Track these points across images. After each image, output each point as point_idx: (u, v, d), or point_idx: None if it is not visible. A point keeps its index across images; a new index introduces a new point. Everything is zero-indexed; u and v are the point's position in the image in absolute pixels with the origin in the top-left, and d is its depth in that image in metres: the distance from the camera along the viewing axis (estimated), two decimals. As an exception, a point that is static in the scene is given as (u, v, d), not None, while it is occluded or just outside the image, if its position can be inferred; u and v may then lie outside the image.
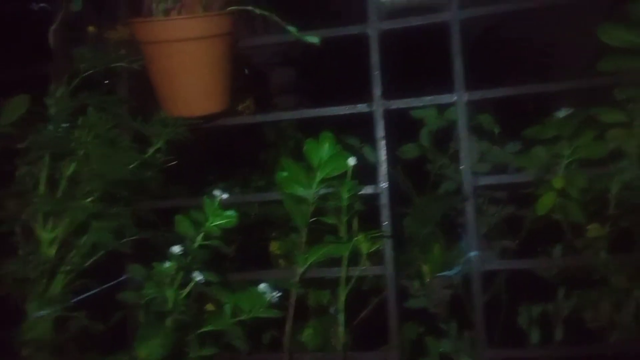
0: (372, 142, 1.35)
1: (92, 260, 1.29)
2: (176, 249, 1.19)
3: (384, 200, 1.33)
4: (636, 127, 1.16)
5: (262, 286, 1.26)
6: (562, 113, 1.21)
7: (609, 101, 1.20)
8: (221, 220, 1.20)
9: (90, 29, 1.35)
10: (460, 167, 1.29)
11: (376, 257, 1.36)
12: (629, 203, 1.18)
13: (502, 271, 1.41)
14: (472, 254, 1.28)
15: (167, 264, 1.18)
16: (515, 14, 1.31)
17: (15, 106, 1.63)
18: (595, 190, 1.19)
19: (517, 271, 1.41)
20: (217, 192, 1.21)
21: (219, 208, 1.20)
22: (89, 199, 1.30)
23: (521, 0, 1.32)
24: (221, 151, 1.76)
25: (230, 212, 1.21)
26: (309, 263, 1.31)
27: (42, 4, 1.57)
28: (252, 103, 1.50)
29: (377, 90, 1.35)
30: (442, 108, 1.38)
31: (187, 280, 1.21)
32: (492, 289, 1.42)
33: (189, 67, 1.28)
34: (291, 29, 1.31)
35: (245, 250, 1.66)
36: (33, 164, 1.35)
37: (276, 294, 1.26)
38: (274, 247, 1.76)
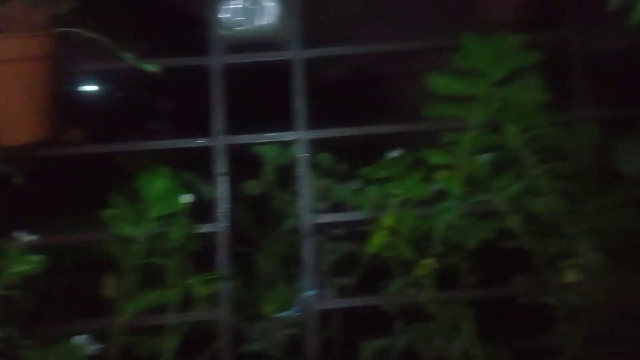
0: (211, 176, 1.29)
1: None
2: None
3: (222, 239, 1.27)
4: (459, 170, 1.24)
5: (79, 338, 1.13)
6: (394, 154, 1.25)
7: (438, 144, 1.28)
8: (24, 266, 1.05)
9: None
10: (300, 205, 1.28)
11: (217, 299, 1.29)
12: (452, 242, 1.25)
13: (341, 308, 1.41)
14: (309, 292, 1.26)
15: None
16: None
17: None
18: (423, 229, 1.24)
19: (361, 306, 1.42)
20: (19, 234, 1.06)
21: (22, 253, 1.05)
22: None
23: (366, 45, 1.38)
24: (51, 182, 1.58)
25: (35, 257, 1.06)
26: (135, 310, 1.19)
27: None
28: (81, 132, 1.36)
29: (218, 125, 1.30)
30: (286, 145, 1.37)
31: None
32: (332, 326, 1.41)
33: (1, 90, 1.12)
34: (127, 56, 1.23)
35: (79, 293, 1.49)
36: None
37: (95, 347, 1.13)
38: (107, 290, 1.60)
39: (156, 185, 1.24)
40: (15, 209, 1.38)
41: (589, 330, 1.22)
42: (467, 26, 1.27)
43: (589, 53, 1.32)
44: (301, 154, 1.30)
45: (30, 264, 1.05)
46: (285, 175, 1.38)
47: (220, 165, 1.29)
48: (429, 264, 1.22)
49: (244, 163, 1.37)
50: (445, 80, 1.24)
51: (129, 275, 1.19)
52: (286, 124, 1.31)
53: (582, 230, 1.21)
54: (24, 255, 1.05)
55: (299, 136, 1.30)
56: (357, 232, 1.38)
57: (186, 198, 1.21)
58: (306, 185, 1.29)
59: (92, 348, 1.13)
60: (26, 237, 1.06)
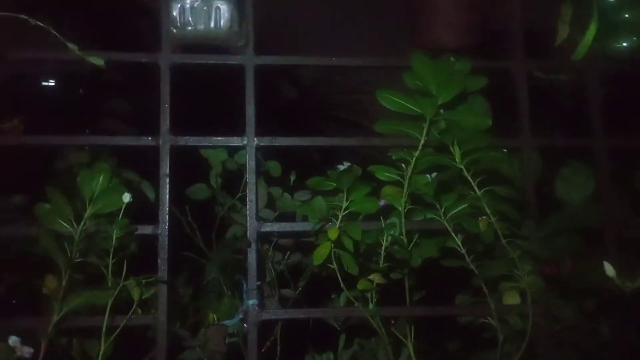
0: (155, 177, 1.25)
1: None
2: None
3: (162, 242, 1.23)
4: (404, 187, 1.25)
5: (13, 339, 1.09)
6: (342, 167, 1.25)
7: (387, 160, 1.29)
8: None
9: None
10: (247, 212, 1.26)
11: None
12: (397, 258, 1.25)
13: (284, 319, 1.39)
14: (250, 302, 1.24)
15: None
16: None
17: None
18: (368, 244, 1.24)
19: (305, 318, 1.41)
20: None
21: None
22: None
23: (318, 57, 1.38)
24: None
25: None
26: (64, 310, 1.14)
27: None
28: (20, 123, 1.30)
29: (164, 125, 1.26)
30: (234, 150, 1.34)
31: None
32: (274, 337, 1.39)
33: None
34: (71, 46, 1.19)
35: (19, 290, 1.42)
36: None
37: (28, 349, 1.08)
38: (48, 281, 1.53)
39: (96, 182, 1.20)
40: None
41: (527, 352, 1.25)
42: (415, 47, 1.29)
43: (535, 82, 1.36)
44: (249, 161, 1.28)
45: None
46: (233, 181, 1.35)
47: (164, 166, 1.25)
48: (373, 279, 1.22)
49: (192, 166, 1.33)
50: (395, 98, 1.26)
51: (63, 274, 1.14)
52: (236, 130, 1.29)
53: (520, 254, 1.24)
54: None
55: (248, 142, 1.28)
56: (304, 243, 1.37)
57: (126, 197, 1.17)
58: (253, 192, 1.27)
59: (25, 350, 1.09)
60: None
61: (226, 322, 1.35)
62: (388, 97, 1.24)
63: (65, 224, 1.17)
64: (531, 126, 1.34)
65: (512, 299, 1.32)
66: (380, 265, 1.24)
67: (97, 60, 1.22)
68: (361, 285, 1.21)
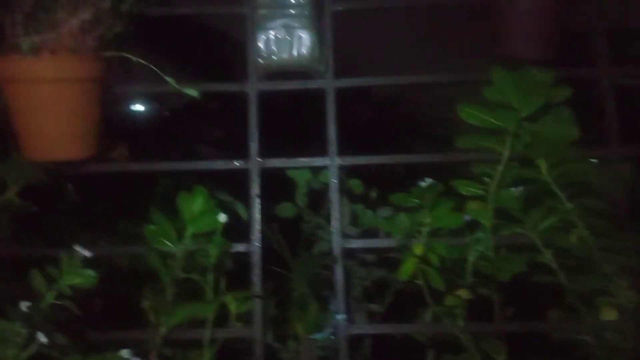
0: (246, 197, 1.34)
1: None
2: (24, 305, 1.09)
3: (256, 259, 1.31)
4: (490, 201, 1.24)
5: (124, 352, 1.17)
6: (425, 183, 1.27)
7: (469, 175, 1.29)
8: (78, 279, 1.11)
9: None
10: (331, 229, 1.31)
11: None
12: (484, 273, 1.24)
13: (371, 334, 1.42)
14: (339, 316, 1.28)
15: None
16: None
17: None
18: (454, 259, 1.25)
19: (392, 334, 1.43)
20: (77, 248, 1.12)
21: (78, 266, 1.12)
22: None
23: (397, 75, 1.41)
24: (96, 197, 1.67)
25: (89, 272, 1.12)
26: (170, 323, 1.24)
27: None
28: (125, 150, 1.44)
29: (253, 148, 1.35)
30: (317, 170, 1.40)
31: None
32: (363, 351, 1.42)
33: (52, 109, 1.21)
34: (169, 79, 1.30)
35: (118, 305, 1.55)
36: None
37: None
38: (147, 303, 1.67)
39: (194, 204, 1.30)
40: (63, 223, 1.48)
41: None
42: (492, 61, 1.28)
43: (622, 90, 1.31)
44: (332, 180, 1.33)
45: (85, 277, 1.11)
46: (318, 199, 1.41)
47: (255, 187, 1.34)
48: (460, 294, 1.22)
49: (279, 186, 1.41)
50: (476, 112, 1.26)
51: (168, 290, 1.25)
52: (319, 150, 1.35)
53: (615, 269, 1.19)
54: (78, 268, 1.12)
55: (331, 162, 1.34)
56: (389, 259, 1.40)
57: (222, 217, 1.26)
58: (337, 210, 1.32)
59: (134, 361, 1.19)
60: (81, 251, 1.12)
61: (316, 335, 1.40)
62: (470, 112, 1.25)
63: (169, 244, 1.28)
64: (620, 135, 1.29)
65: (610, 314, 1.27)
66: (468, 281, 1.24)
67: (192, 92, 1.33)
68: (449, 301, 1.22)
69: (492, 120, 1.25)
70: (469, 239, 1.25)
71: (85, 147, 1.28)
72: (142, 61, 1.26)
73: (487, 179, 1.26)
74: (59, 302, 1.13)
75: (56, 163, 1.28)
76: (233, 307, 1.29)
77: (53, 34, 1.22)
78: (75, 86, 1.22)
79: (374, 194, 1.45)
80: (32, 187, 1.30)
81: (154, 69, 1.26)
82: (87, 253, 1.15)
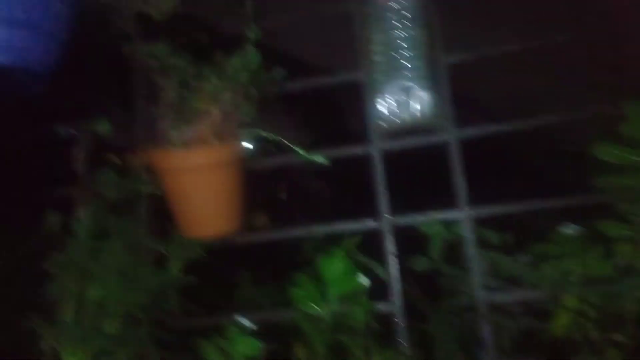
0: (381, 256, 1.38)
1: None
2: None
3: (399, 317, 1.34)
4: (641, 242, 1.17)
5: None
6: (568, 229, 1.22)
7: (608, 216, 1.23)
8: (246, 349, 1.21)
9: (113, 157, 1.45)
10: (473, 285, 1.30)
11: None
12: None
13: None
14: (489, 372, 1.26)
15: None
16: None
17: (46, 223, 1.73)
18: (610, 308, 1.18)
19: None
20: (241, 320, 1.23)
21: (244, 336, 1.22)
22: (113, 324, 1.33)
23: (517, 122, 1.40)
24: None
25: (254, 341, 1.22)
26: (325, 385, 1.30)
27: (68, 129, 1.69)
28: (266, 218, 1.56)
29: (383, 207, 1.40)
30: (449, 222, 1.41)
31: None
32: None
33: (204, 191, 1.35)
34: (298, 149, 1.40)
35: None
36: (59, 285, 1.40)
37: None
38: (298, 352, 1.74)
39: (334, 267, 1.37)
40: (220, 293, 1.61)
41: None
42: (620, 95, 1.23)
43: None
44: (466, 232, 1.33)
45: (251, 346, 1.21)
46: (453, 251, 1.41)
47: (389, 245, 1.37)
48: (621, 344, 1.15)
49: (412, 239, 1.43)
50: (613, 150, 1.21)
51: (318, 349, 1.31)
52: (449, 202, 1.36)
53: None
54: (244, 337, 1.22)
55: (462, 214, 1.34)
56: (535, 308, 1.35)
57: (364, 280, 1.30)
58: (475, 262, 1.31)
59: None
60: (245, 322, 1.22)
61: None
62: (608, 150, 1.20)
63: (314, 306, 1.35)
64: None
65: None
66: (629, 330, 1.16)
67: (320, 158, 1.42)
68: (610, 353, 1.15)
69: (631, 157, 1.19)
70: (625, 285, 1.18)
71: (233, 221, 1.41)
72: (277, 137, 1.38)
73: (634, 218, 1.19)
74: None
75: (209, 238, 1.41)
76: (382, 367, 1.32)
77: (197, 127, 1.38)
78: (221, 169, 1.35)
79: (509, 240, 1.41)
80: (192, 262, 1.44)
81: (286, 142, 1.37)
82: (248, 323, 1.25)
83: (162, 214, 1.51)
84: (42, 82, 1.15)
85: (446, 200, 1.38)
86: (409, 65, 1.33)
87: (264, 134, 1.39)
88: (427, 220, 1.38)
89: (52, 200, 1.71)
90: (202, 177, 1.35)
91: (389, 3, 1.40)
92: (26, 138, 1.68)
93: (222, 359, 1.21)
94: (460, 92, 1.41)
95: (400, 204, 1.39)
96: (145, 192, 1.48)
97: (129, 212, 1.51)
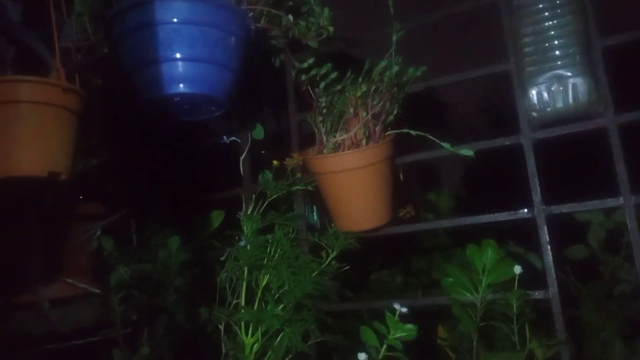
0: (533, 246, 1.38)
1: (285, 361, 1.48)
2: (362, 356, 1.29)
3: (556, 306, 1.34)
4: None
5: None
6: None
7: None
8: (402, 333, 1.30)
9: (274, 162, 1.61)
10: (636, 273, 1.26)
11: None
12: None
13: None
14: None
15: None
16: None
17: (214, 220, 1.99)
18: None
19: None
20: (396, 306, 1.32)
21: (399, 321, 1.31)
22: (281, 307, 1.51)
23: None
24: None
25: (409, 326, 1.31)
26: (483, 370, 1.35)
27: (233, 137, 1.91)
28: (411, 208, 1.63)
29: (536, 197, 1.39)
30: (609, 210, 1.37)
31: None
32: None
33: (358, 191, 1.46)
34: (445, 144, 1.44)
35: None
36: (232, 274, 1.61)
37: None
38: (441, 332, 1.81)
39: (485, 256, 1.40)
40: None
41: None
42: None
43: None
44: (629, 221, 1.28)
45: (407, 331, 1.30)
46: (613, 239, 1.37)
47: (543, 235, 1.37)
48: None
49: (569, 227, 1.42)
50: None
51: (473, 337, 1.37)
52: (608, 190, 1.32)
53: None
54: (401, 323, 1.31)
55: (625, 202, 1.29)
56: None
57: (517, 269, 1.33)
58: (638, 249, 1.26)
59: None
60: (401, 308, 1.32)
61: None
62: None
63: (467, 294, 1.40)
64: None
65: None
66: None
67: (467, 152, 1.45)
68: None
69: None
70: None
71: (383, 216, 1.51)
72: (421, 133, 1.44)
73: None
74: (390, 354, 1.34)
75: (362, 231, 1.53)
76: (539, 353, 1.34)
77: (349, 131, 1.49)
78: (372, 169, 1.45)
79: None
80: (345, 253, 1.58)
81: (432, 137, 1.43)
82: (404, 309, 1.34)
83: (318, 210, 1.66)
84: (221, 106, 1.34)
85: (605, 187, 1.34)
86: (561, 53, 1.30)
87: (412, 131, 1.46)
88: (584, 208, 1.35)
89: (221, 200, 1.96)
90: (354, 177, 1.46)
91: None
92: (200, 148, 1.93)
93: (379, 342, 1.31)
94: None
95: (556, 193, 1.38)
96: (301, 191, 1.64)
97: (288, 209, 1.68)
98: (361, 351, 1.32)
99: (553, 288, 1.35)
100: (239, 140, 1.84)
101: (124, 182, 1.83)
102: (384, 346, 1.32)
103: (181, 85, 1.21)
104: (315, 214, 1.75)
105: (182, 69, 1.20)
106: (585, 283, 1.43)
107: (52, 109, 1.25)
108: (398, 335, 1.30)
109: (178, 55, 1.20)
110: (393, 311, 1.33)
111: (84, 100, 1.38)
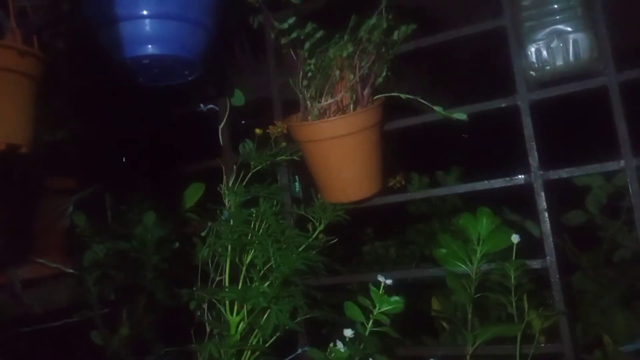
0: (530, 213, 1.32)
1: (272, 339, 1.42)
2: (348, 332, 1.24)
3: (554, 275, 1.29)
4: None
5: None
6: None
7: None
8: (388, 306, 1.24)
9: (257, 131, 1.51)
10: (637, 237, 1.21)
11: (549, 332, 1.31)
12: None
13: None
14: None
15: (342, 349, 1.24)
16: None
17: (193, 193, 1.88)
18: None
19: None
20: (381, 278, 1.26)
21: (384, 294, 1.25)
22: (267, 284, 1.43)
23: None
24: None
25: (396, 298, 1.25)
26: (478, 342, 1.31)
27: (210, 105, 1.80)
28: (402, 178, 1.55)
29: (533, 162, 1.32)
30: (609, 174, 1.31)
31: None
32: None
33: (344, 159, 1.37)
34: (437, 108, 1.36)
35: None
36: (215, 251, 1.53)
37: None
38: (435, 304, 1.76)
39: (480, 225, 1.34)
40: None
41: None
42: None
43: None
44: (631, 184, 1.22)
45: (393, 304, 1.24)
46: (612, 203, 1.32)
47: (541, 202, 1.31)
48: None
49: (565, 193, 1.36)
50: None
51: (467, 309, 1.31)
52: (608, 153, 1.26)
53: None
54: (386, 296, 1.25)
55: (626, 165, 1.23)
56: None
57: (514, 237, 1.26)
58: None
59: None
60: (386, 280, 1.25)
61: (626, 346, 1.32)
62: None
63: (461, 265, 1.34)
64: None
65: None
66: None
67: (460, 115, 1.36)
68: None
69: None
70: None
71: (373, 185, 1.43)
72: (411, 97, 1.34)
73: None
74: (377, 330, 1.28)
75: (350, 202, 1.45)
76: (537, 324, 1.30)
77: (334, 98, 1.39)
78: (359, 136, 1.36)
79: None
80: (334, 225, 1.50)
81: (422, 102, 1.34)
82: (388, 281, 1.27)
83: (300, 180, 1.57)
84: (195, 69, 1.23)
85: (604, 151, 1.27)
86: (561, 6, 1.21)
87: (401, 95, 1.37)
88: (583, 173, 1.28)
89: (201, 172, 1.86)
90: (342, 145, 1.36)
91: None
92: (174, 117, 1.81)
93: (364, 315, 1.25)
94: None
95: (553, 157, 1.31)
96: (286, 161, 1.55)
97: (272, 180, 1.59)
98: (350, 326, 1.27)
99: (551, 256, 1.29)
100: (217, 108, 1.73)
101: (95, 154, 1.72)
102: (370, 321, 1.26)
103: (149, 46, 1.10)
104: (297, 184, 1.66)
105: (149, 28, 1.08)
106: (584, 250, 1.39)
107: (6, 74, 1.13)
108: (384, 308, 1.24)
109: (145, 12, 1.08)
110: (378, 284, 1.27)
111: (45, 65, 1.26)
